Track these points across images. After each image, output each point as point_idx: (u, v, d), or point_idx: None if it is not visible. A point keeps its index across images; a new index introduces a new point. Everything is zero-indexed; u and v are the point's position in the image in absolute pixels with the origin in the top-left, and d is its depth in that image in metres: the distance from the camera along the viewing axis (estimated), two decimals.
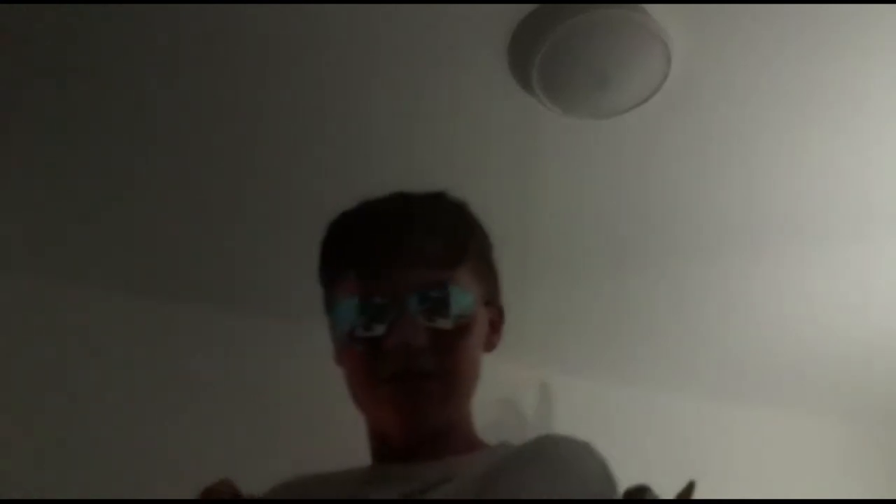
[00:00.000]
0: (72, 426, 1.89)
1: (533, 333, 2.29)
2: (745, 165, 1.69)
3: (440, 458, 0.78)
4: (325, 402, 2.07)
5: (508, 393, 2.40)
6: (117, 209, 1.79)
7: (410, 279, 0.78)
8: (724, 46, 1.41)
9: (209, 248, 1.94)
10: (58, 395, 1.90)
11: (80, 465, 1.85)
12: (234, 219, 1.84)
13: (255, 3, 1.31)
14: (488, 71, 1.45)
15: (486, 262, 0.87)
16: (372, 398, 0.80)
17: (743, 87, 1.49)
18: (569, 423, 2.43)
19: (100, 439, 1.90)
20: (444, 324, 0.77)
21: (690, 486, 1.99)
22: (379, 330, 0.77)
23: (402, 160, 1.67)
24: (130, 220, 1.83)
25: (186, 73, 1.45)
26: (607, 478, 0.77)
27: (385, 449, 0.83)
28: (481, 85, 1.48)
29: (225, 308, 2.12)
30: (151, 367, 2.02)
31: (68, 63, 1.41)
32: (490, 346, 0.87)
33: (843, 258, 1.99)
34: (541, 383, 2.45)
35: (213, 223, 1.85)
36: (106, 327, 2.02)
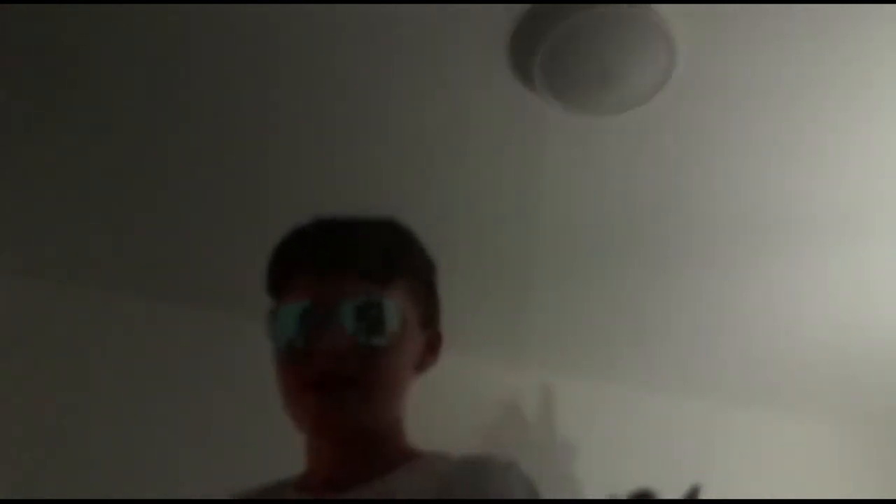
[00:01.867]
0: (72, 426, 1.89)
1: (534, 335, 2.29)
2: (750, 164, 1.68)
3: (368, 481, 0.81)
4: None
5: (509, 394, 2.41)
6: (117, 210, 1.79)
7: (343, 288, 0.81)
8: (729, 44, 1.40)
9: (209, 249, 1.94)
10: (58, 394, 1.90)
11: (81, 465, 1.85)
12: (235, 219, 1.84)
13: (255, 3, 1.31)
14: (490, 68, 1.44)
15: (424, 286, 0.90)
16: (297, 403, 0.82)
17: (748, 84, 1.48)
18: (569, 424, 2.43)
19: (100, 439, 1.90)
20: (373, 336, 0.80)
21: (695, 491, 1.98)
22: (306, 335, 0.81)
23: (404, 158, 1.66)
24: (130, 220, 1.83)
25: (189, 75, 1.44)
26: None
27: (317, 472, 0.85)
28: (483, 82, 1.47)
29: (225, 308, 2.11)
30: (151, 367, 2.02)
31: (69, 63, 1.41)
32: (423, 366, 0.89)
33: (850, 259, 1.98)
34: (541, 385, 2.45)
35: (213, 224, 1.85)
36: (106, 327, 2.02)
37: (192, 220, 1.84)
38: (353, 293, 0.81)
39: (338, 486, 0.81)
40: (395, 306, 0.82)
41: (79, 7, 1.30)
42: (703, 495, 1.94)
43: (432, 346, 0.91)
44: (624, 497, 1.93)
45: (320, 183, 1.71)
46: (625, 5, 1.33)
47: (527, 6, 1.33)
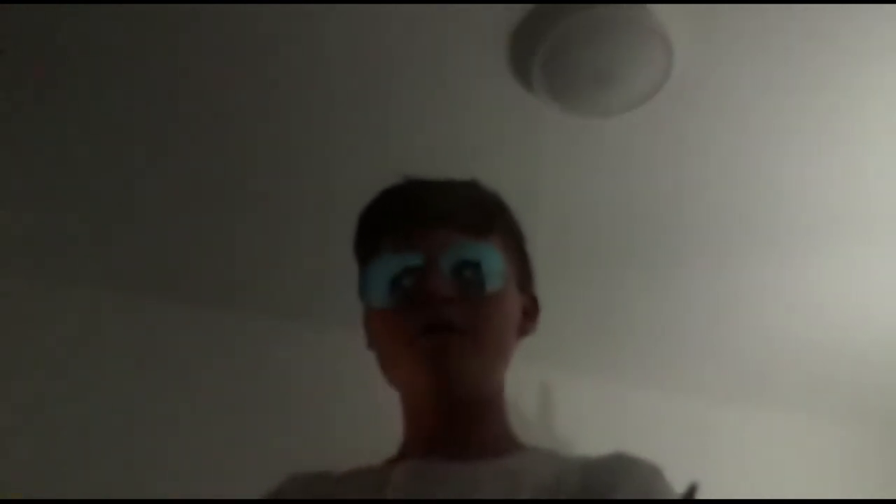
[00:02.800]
0: (72, 426, 1.89)
1: (532, 333, 2.29)
2: (748, 164, 1.69)
3: (480, 458, 0.76)
4: (325, 401, 2.09)
5: (509, 392, 2.40)
6: (118, 209, 1.80)
7: (443, 239, 0.79)
8: (725, 45, 1.41)
9: (210, 248, 1.94)
10: (58, 394, 1.90)
11: (81, 464, 1.85)
12: (235, 219, 1.85)
13: (258, 3, 1.31)
14: (489, 69, 1.45)
15: (518, 247, 0.88)
16: (402, 356, 0.77)
17: (746, 85, 1.49)
18: (569, 422, 2.44)
19: (100, 439, 1.90)
20: (478, 285, 0.78)
21: (693, 489, 1.99)
22: (410, 284, 0.78)
23: (403, 158, 1.67)
24: (131, 220, 1.83)
25: (190, 72, 1.45)
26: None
27: (418, 441, 0.81)
28: (482, 84, 1.48)
29: (225, 308, 2.13)
30: (152, 366, 2.02)
31: (70, 62, 1.41)
32: (523, 331, 0.86)
33: (844, 258, 1.99)
34: (541, 383, 2.46)
35: (213, 223, 1.86)
36: (106, 327, 2.03)
37: (194, 219, 1.84)
38: (455, 245, 0.79)
39: (444, 454, 0.76)
40: (497, 258, 0.79)
41: (81, 7, 1.31)
42: (700, 493, 1.94)
43: (529, 312, 0.88)
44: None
45: (319, 183, 1.72)
46: (623, 6, 1.34)
47: (526, 8, 1.34)
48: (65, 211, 1.79)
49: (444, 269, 0.77)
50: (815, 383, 2.60)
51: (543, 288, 2.32)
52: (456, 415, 0.78)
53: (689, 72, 1.44)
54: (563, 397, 2.47)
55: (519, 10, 1.34)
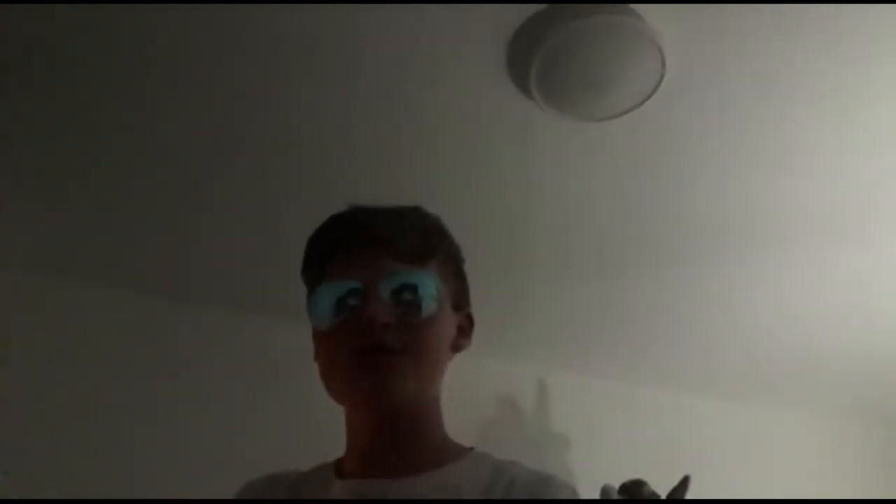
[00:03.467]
0: (72, 426, 1.90)
1: (530, 331, 2.31)
2: (739, 167, 1.72)
3: (418, 473, 0.82)
4: (327, 399, 2.13)
5: (506, 389, 2.42)
6: (119, 208, 1.81)
7: (383, 266, 0.84)
8: (717, 51, 1.43)
9: (211, 247, 1.96)
10: (60, 393, 1.91)
11: (81, 464, 1.85)
12: (236, 219, 1.86)
13: (255, 4, 1.33)
14: (487, 74, 1.48)
15: (455, 269, 0.93)
16: (341, 374, 0.83)
17: (736, 90, 1.52)
18: (565, 419, 2.46)
19: (100, 438, 1.91)
20: (414, 310, 0.83)
21: (685, 482, 2.02)
22: (351, 309, 0.83)
23: (401, 161, 1.69)
24: (132, 219, 1.84)
25: (188, 74, 1.46)
26: None
27: (357, 456, 0.87)
28: (480, 88, 1.51)
29: (226, 306, 2.14)
30: (153, 365, 2.03)
31: (71, 61, 1.42)
32: (457, 348, 0.92)
33: (835, 259, 2.02)
34: (538, 380, 2.47)
35: (214, 223, 1.87)
36: (108, 326, 2.04)
37: (197, 219, 1.86)
38: (394, 272, 0.84)
39: (383, 471, 0.83)
40: (434, 284, 0.86)
41: (82, 7, 1.31)
42: (695, 488, 1.96)
43: (464, 329, 0.93)
44: (617, 487, 1.96)
45: (317, 182, 1.73)
46: (618, 14, 1.37)
47: (523, 15, 1.36)
48: (66, 210, 1.80)
49: (383, 294, 0.83)
50: (809, 380, 2.63)
51: (541, 288, 2.33)
52: (391, 431, 0.84)
53: (680, 77, 1.47)
54: (559, 394, 2.48)
55: (516, 16, 1.37)
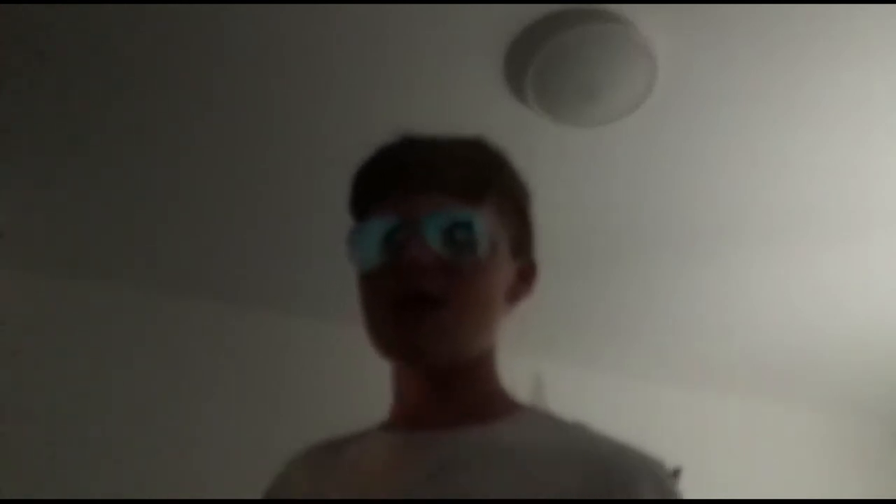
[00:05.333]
0: (74, 425, 1.90)
1: (528, 329, 2.33)
2: (730, 171, 1.75)
3: (465, 425, 0.74)
4: (327, 397, 2.11)
5: (503, 383, 2.43)
6: (121, 206, 1.82)
7: (428, 204, 0.74)
8: (708, 59, 1.47)
9: (213, 245, 1.98)
10: (60, 393, 1.92)
11: (82, 463, 1.86)
12: (237, 218, 1.88)
13: (257, 3, 1.34)
14: (484, 81, 1.51)
15: (516, 211, 0.81)
16: (380, 325, 0.75)
17: (727, 97, 1.55)
18: (561, 411, 2.47)
19: (101, 438, 1.91)
20: (460, 253, 0.73)
21: (676, 473, 2.05)
22: (392, 254, 0.74)
23: None
24: (134, 217, 1.86)
25: (191, 72, 1.48)
26: None
27: (402, 409, 0.79)
28: (477, 95, 1.54)
29: (228, 303, 2.16)
30: (155, 362, 2.04)
31: (71, 61, 1.43)
32: (515, 296, 0.81)
33: (828, 257, 2.04)
34: (534, 374, 2.50)
35: (216, 221, 1.89)
36: (109, 324, 2.05)
37: (199, 215, 1.87)
38: (440, 209, 0.74)
39: (431, 424, 0.75)
40: (484, 225, 0.74)
41: (83, 7, 1.32)
42: (692, 484, 1.98)
43: (525, 277, 0.83)
44: None
45: (315, 185, 1.75)
46: (611, 24, 1.40)
47: (520, 24, 1.40)
48: (72, 209, 1.82)
49: (426, 235, 0.72)
50: (803, 374, 2.65)
51: (539, 287, 2.34)
52: (435, 387, 0.76)
53: (671, 85, 1.50)
54: (555, 388, 2.50)
55: (513, 26, 1.40)
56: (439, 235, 0.72)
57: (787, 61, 1.47)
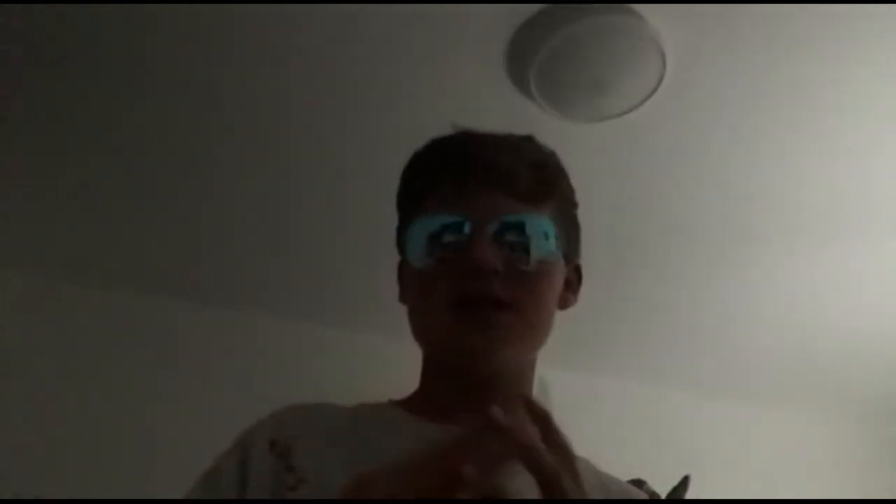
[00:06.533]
0: (74, 424, 1.90)
1: None
2: (738, 167, 1.73)
3: None
4: (327, 397, 2.13)
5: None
6: (120, 208, 1.82)
7: (495, 204, 0.73)
8: (717, 52, 1.45)
9: (212, 247, 1.97)
10: (61, 391, 1.92)
11: (81, 464, 1.86)
12: (236, 219, 1.87)
13: (258, 3, 1.33)
14: (487, 75, 1.49)
15: (570, 214, 0.81)
16: (436, 320, 0.72)
17: (736, 91, 1.53)
18: (566, 416, 2.46)
19: (100, 437, 1.91)
20: (526, 257, 0.72)
21: (685, 481, 2.02)
22: (451, 248, 0.72)
23: (401, 162, 1.69)
24: (134, 218, 1.85)
25: (190, 72, 1.47)
26: None
27: (433, 400, 0.76)
28: (481, 88, 1.52)
29: (227, 306, 2.15)
30: (152, 365, 2.04)
31: (72, 60, 1.43)
32: (564, 303, 0.80)
33: (835, 258, 2.03)
34: (538, 376, 2.47)
35: (215, 223, 1.89)
36: (109, 325, 2.05)
37: (199, 219, 1.87)
38: (509, 211, 0.72)
39: (457, 419, 0.67)
40: (552, 227, 0.74)
41: (84, 7, 1.32)
42: (694, 487, 1.97)
43: (572, 283, 0.81)
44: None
45: (316, 183, 1.74)
46: (619, 15, 1.37)
47: (523, 16, 1.37)
48: (72, 211, 1.82)
49: (494, 236, 0.71)
50: (813, 379, 2.63)
51: None
52: (482, 391, 0.72)
53: (679, 79, 1.48)
54: (560, 391, 2.49)
55: (517, 17, 1.38)
56: (501, 238, 0.71)
57: (796, 55, 1.45)
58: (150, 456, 1.93)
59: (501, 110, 1.55)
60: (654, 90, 1.48)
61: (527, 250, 0.72)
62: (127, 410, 1.96)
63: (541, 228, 0.73)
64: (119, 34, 1.38)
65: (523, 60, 1.44)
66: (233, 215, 1.86)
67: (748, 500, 2.40)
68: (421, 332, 0.75)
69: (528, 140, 0.81)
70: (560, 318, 2.48)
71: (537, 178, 0.75)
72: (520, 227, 0.72)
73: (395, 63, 1.46)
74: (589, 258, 2.08)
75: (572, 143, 1.64)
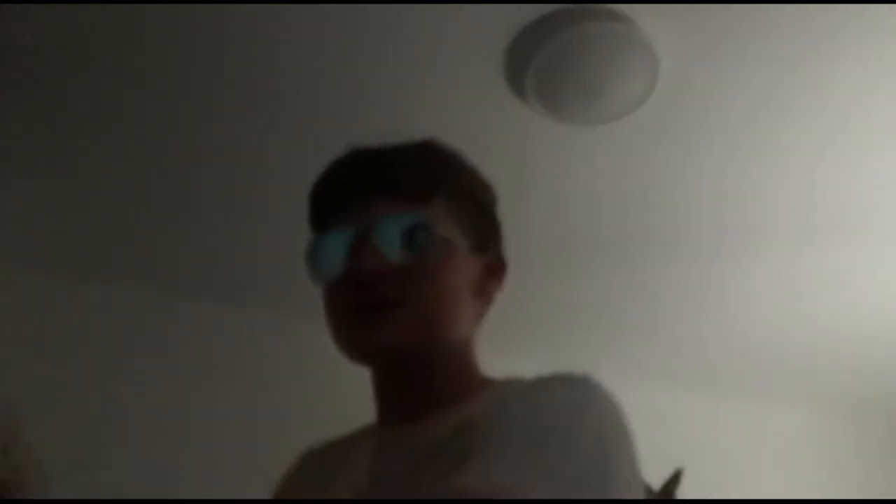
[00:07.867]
0: (74, 425, 1.89)
1: (530, 328, 2.33)
2: (731, 170, 1.75)
3: (444, 409, 0.76)
4: (327, 396, 2.07)
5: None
6: (120, 206, 1.83)
7: (377, 210, 0.76)
8: (709, 58, 1.47)
9: (212, 245, 1.98)
10: (61, 391, 1.91)
11: (82, 463, 1.83)
12: (236, 217, 1.89)
13: (256, 3, 1.35)
14: (484, 80, 1.51)
15: (473, 207, 0.83)
16: (340, 333, 0.78)
17: (728, 96, 1.55)
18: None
19: (101, 437, 1.91)
20: (408, 254, 0.74)
21: (677, 475, 2.04)
22: (344, 263, 0.76)
23: None
24: (132, 216, 1.86)
25: (188, 71, 1.48)
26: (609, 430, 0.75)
27: (388, 407, 0.81)
28: (478, 93, 1.54)
29: (227, 303, 2.16)
30: (154, 363, 2.04)
31: (71, 59, 1.44)
32: (483, 291, 0.83)
33: (827, 258, 2.04)
34: (537, 374, 2.47)
35: (214, 220, 1.90)
36: (109, 323, 2.05)
37: (201, 216, 1.88)
38: (387, 214, 0.76)
39: (411, 417, 0.77)
40: (431, 224, 0.76)
41: (84, 6, 1.33)
42: (693, 484, 1.97)
43: (493, 271, 0.84)
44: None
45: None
46: (613, 23, 1.40)
47: (521, 23, 1.40)
48: (77, 210, 1.83)
49: (378, 241, 0.74)
50: (812, 377, 2.65)
51: (540, 287, 2.35)
52: (412, 379, 0.78)
53: (673, 83, 1.50)
54: None
55: (514, 24, 1.40)
56: (388, 240, 0.74)
57: (790, 59, 1.47)
58: (152, 456, 1.93)
59: (499, 115, 1.57)
60: (649, 95, 1.50)
61: (415, 248, 0.74)
62: (128, 409, 1.96)
63: (423, 227, 0.75)
64: (120, 28, 1.39)
65: (521, 66, 1.47)
66: (238, 215, 1.87)
67: (747, 500, 2.40)
68: (338, 345, 0.79)
69: (422, 145, 0.84)
70: (558, 317, 2.49)
71: (420, 179, 0.78)
72: (402, 228, 0.75)
73: (392, 69, 1.48)
74: (585, 258, 2.11)
75: (568, 147, 1.67)
